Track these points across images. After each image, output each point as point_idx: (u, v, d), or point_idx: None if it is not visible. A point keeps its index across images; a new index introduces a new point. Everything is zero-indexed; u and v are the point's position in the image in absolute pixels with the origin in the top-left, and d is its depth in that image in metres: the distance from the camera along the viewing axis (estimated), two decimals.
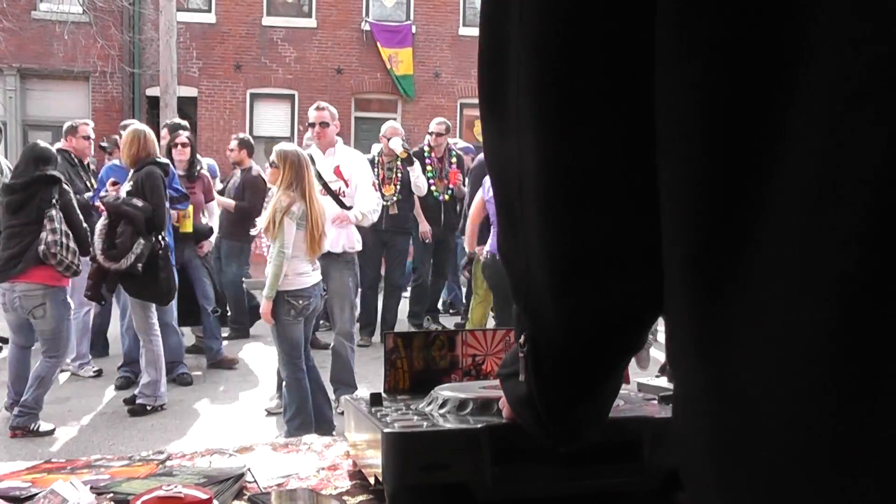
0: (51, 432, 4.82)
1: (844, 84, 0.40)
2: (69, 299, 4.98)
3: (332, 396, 4.76)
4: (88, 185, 6.44)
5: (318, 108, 5.44)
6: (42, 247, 4.63)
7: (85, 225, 5.06)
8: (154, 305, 5.19)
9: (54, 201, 4.78)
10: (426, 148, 7.46)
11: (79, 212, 4.99)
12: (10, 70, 15.02)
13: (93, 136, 6.74)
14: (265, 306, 4.33)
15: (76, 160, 6.47)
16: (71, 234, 4.78)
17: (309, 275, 4.33)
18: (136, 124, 5.53)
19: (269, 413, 5.11)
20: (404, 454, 0.94)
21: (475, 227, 5.43)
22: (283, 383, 4.48)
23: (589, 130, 0.56)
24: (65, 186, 4.95)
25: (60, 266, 4.70)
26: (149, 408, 5.19)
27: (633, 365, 5.76)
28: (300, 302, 4.27)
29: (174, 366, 5.94)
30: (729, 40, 0.45)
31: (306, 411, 4.34)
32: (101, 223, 4.96)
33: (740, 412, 0.45)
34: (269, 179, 4.51)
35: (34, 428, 4.77)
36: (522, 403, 0.78)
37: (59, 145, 6.33)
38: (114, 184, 5.39)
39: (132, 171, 5.13)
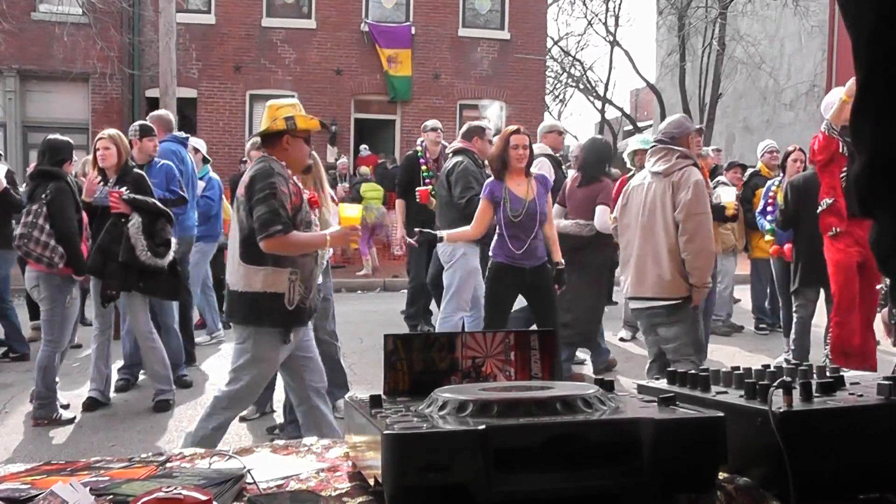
0: (72, 420, 5.05)
1: None
2: (72, 288, 5.12)
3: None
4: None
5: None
6: (15, 241, 4.96)
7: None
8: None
9: (44, 196, 4.93)
10: (419, 149, 7.44)
11: (70, 210, 5.02)
12: (10, 72, 15.02)
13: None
14: None
15: (480, 161, 6.28)
16: (50, 231, 4.89)
17: None
18: (110, 130, 5.48)
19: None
20: (404, 455, 0.94)
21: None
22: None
23: None
24: (64, 185, 5.00)
25: (29, 257, 4.92)
26: (172, 402, 5.33)
27: (637, 366, 5.68)
28: None
29: (174, 368, 5.94)
30: None
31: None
32: (136, 223, 4.99)
33: None
34: None
35: (56, 417, 5.02)
36: None
37: (458, 145, 6.31)
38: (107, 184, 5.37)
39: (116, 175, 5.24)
